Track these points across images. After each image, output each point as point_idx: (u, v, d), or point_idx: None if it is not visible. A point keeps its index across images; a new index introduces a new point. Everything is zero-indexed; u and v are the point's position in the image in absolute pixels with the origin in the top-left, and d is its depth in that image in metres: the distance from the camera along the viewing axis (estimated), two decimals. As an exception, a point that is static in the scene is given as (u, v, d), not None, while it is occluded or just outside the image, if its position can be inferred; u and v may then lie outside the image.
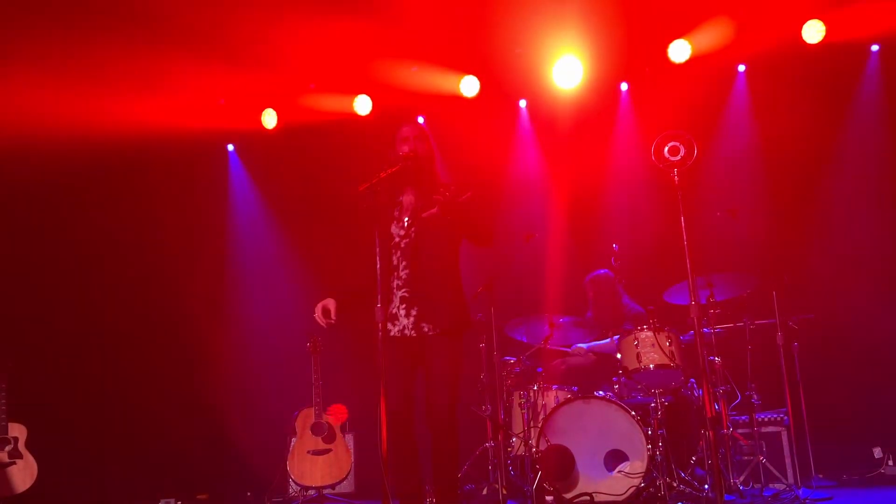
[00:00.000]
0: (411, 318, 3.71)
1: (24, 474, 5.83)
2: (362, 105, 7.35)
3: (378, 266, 3.48)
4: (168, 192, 7.42)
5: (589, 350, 5.79)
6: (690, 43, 6.70)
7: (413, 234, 3.77)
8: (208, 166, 7.75)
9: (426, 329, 3.70)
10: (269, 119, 7.55)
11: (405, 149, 3.82)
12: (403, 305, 3.72)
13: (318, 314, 3.85)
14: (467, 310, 3.85)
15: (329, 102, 7.36)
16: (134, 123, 6.83)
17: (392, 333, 3.71)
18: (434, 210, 3.65)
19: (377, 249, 3.50)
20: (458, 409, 3.70)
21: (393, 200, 3.86)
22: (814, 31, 6.47)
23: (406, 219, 3.80)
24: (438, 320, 3.69)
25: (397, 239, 3.79)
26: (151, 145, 7.33)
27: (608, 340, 5.55)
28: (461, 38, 6.97)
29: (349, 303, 3.86)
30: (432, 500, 3.77)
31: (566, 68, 6.89)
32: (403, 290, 3.73)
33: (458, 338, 3.77)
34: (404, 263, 3.75)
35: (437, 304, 3.70)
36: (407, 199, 3.86)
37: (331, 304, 3.85)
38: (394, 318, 3.73)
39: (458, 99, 7.19)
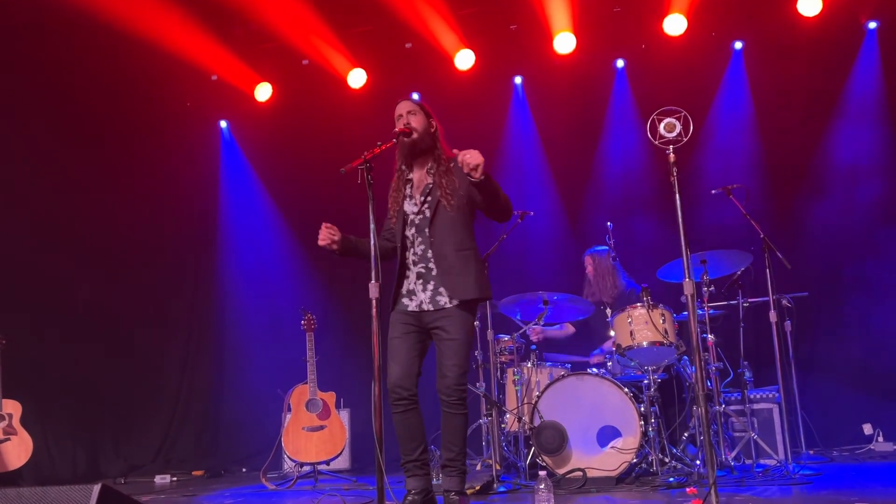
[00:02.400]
0: (428, 293, 3.74)
1: (19, 450, 5.84)
2: (356, 78, 7.29)
3: (373, 242, 3.47)
4: (161, 167, 7.37)
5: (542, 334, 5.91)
6: (685, 16, 6.66)
7: (426, 211, 3.79)
8: (201, 140, 7.70)
9: (442, 302, 3.72)
10: (263, 92, 7.48)
11: (398, 126, 3.83)
12: (420, 281, 3.77)
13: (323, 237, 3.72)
14: (486, 280, 3.84)
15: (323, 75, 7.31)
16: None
17: (409, 309, 3.75)
18: (475, 176, 3.49)
19: (372, 226, 3.49)
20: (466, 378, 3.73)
21: (402, 178, 3.87)
22: (810, 4, 6.43)
23: (419, 196, 3.82)
24: (455, 292, 3.71)
25: (411, 216, 3.82)
26: (145, 121, 7.30)
27: (558, 327, 5.96)
28: (457, 13, 6.92)
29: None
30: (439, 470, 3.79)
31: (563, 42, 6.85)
32: (419, 265, 3.77)
33: (472, 309, 3.80)
34: (420, 239, 3.79)
35: (453, 277, 3.72)
36: (416, 175, 3.88)
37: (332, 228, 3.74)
38: (411, 294, 3.77)
39: (454, 73, 7.13)
